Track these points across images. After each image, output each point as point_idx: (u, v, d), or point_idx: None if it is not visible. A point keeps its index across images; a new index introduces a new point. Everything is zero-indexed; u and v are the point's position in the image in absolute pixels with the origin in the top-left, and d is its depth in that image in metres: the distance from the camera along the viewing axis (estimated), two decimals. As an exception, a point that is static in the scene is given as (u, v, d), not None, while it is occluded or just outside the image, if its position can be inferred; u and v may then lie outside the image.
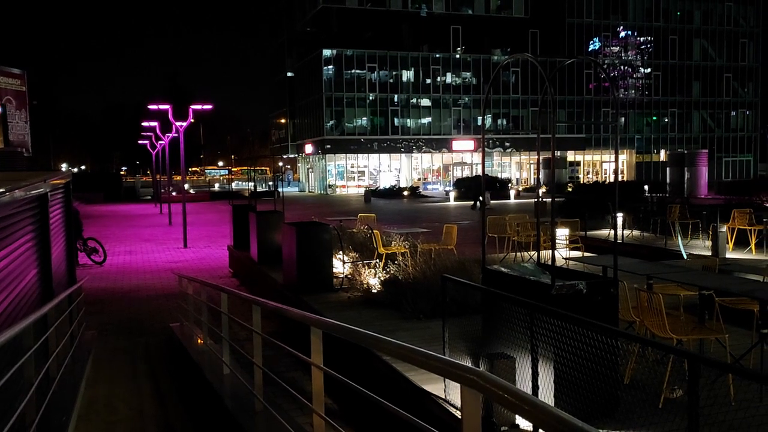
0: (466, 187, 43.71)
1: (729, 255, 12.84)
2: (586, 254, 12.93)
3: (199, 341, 8.49)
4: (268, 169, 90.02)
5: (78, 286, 9.01)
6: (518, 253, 13.94)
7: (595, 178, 63.25)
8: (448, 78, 62.31)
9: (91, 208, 44.44)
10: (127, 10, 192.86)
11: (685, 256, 12.55)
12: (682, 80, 68.10)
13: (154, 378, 8.41)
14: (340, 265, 11.29)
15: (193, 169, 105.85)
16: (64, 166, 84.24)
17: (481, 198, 35.98)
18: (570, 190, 39.55)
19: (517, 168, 65.05)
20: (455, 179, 52.69)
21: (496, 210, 30.83)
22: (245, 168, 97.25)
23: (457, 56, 62.07)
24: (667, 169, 34.14)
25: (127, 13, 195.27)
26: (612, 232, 15.31)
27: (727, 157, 69.61)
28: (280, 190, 23.53)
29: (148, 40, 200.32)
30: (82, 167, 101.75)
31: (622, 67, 67.03)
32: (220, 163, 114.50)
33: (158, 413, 7.10)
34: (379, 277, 10.17)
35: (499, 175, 57.71)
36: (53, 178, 7.90)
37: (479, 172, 58.03)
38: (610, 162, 66.20)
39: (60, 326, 6.32)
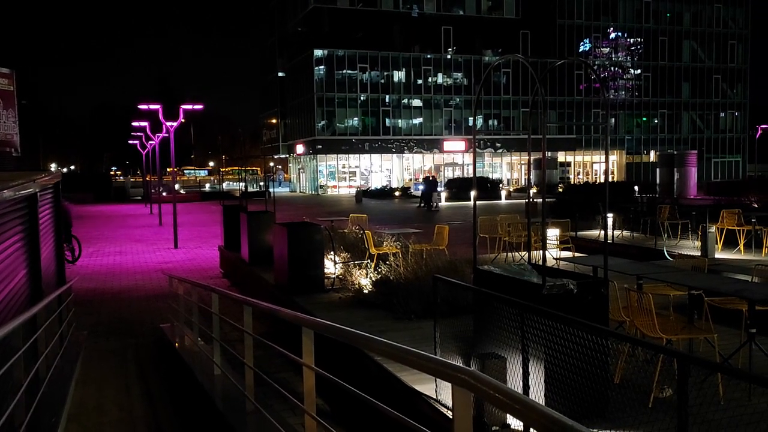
0: (458, 187, 43.80)
1: (718, 255, 12.92)
2: (577, 254, 12.98)
3: (189, 342, 8.46)
4: (258, 169, 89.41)
5: (68, 287, 8.96)
6: (509, 254, 13.98)
7: (585, 179, 63.54)
8: (440, 78, 62.39)
9: (81, 209, 44.16)
10: (117, 9, 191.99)
11: (667, 256, 12.62)
12: (671, 81, 68.51)
13: (144, 379, 8.37)
14: (332, 266, 11.28)
15: (171, 170, 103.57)
16: (53, 166, 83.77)
17: (432, 202, 35.24)
18: (560, 190, 39.71)
19: (508, 168, 65.21)
20: (446, 180, 52.78)
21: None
22: (235, 168, 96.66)
23: (449, 57, 62.17)
24: (657, 169, 34.30)
25: (117, 13, 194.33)
26: (602, 232, 15.37)
27: (716, 158, 70.09)
28: (271, 190, 23.50)
29: (138, 40, 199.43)
30: (72, 167, 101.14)
31: (612, 68, 67.36)
32: (211, 164, 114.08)
33: (148, 414, 7.07)
34: (370, 278, 10.17)
35: (490, 176, 57.82)
36: (42, 178, 7.85)
37: (471, 172, 58.16)
38: (600, 163, 66.50)
39: (49, 327, 6.28)
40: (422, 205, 36.20)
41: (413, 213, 33.14)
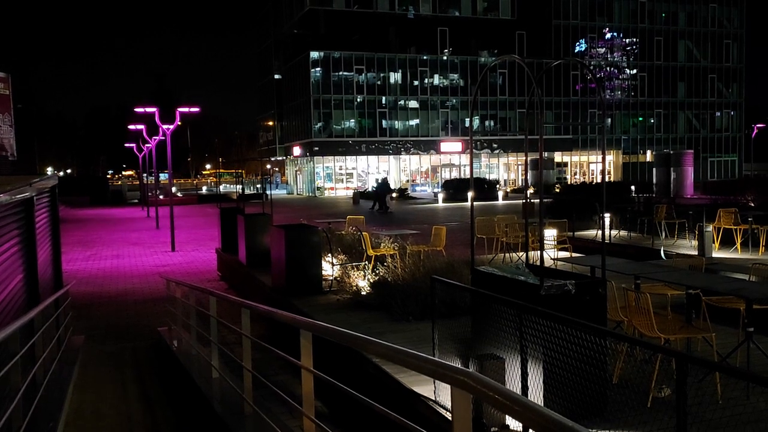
0: (455, 188, 43.81)
1: (715, 254, 12.94)
2: (574, 254, 13.01)
3: (187, 345, 8.44)
4: (243, 171, 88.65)
5: (65, 291, 8.94)
6: (507, 254, 13.98)
7: (582, 179, 63.58)
8: (436, 80, 62.42)
9: (78, 212, 44.14)
10: (112, 11, 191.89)
11: (663, 257, 12.63)
12: (667, 81, 68.63)
13: (142, 383, 8.35)
14: (329, 268, 11.27)
15: (128, 173, 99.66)
16: (49, 170, 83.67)
17: (385, 204, 34.59)
18: (557, 191, 39.70)
19: (505, 169, 65.24)
20: (443, 181, 52.79)
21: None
22: (218, 171, 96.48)
23: (445, 58, 62.20)
24: (654, 169, 34.40)
25: (112, 15, 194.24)
26: (599, 232, 15.39)
27: (712, 157, 70.23)
28: (268, 192, 23.47)
29: (134, 42, 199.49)
30: (68, 171, 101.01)
31: (608, 69, 67.46)
32: (208, 166, 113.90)
33: (146, 418, 7.06)
34: (368, 279, 10.16)
35: (487, 177, 57.83)
36: (39, 182, 7.84)
37: (467, 173, 58.18)
38: (597, 163, 66.56)
39: (47, 331, 6.26)
40: (374, 207, 35.59)
41: (412, 214, 33.14)
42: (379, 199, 35.87)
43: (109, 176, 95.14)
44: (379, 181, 38.27)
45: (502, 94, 63.30)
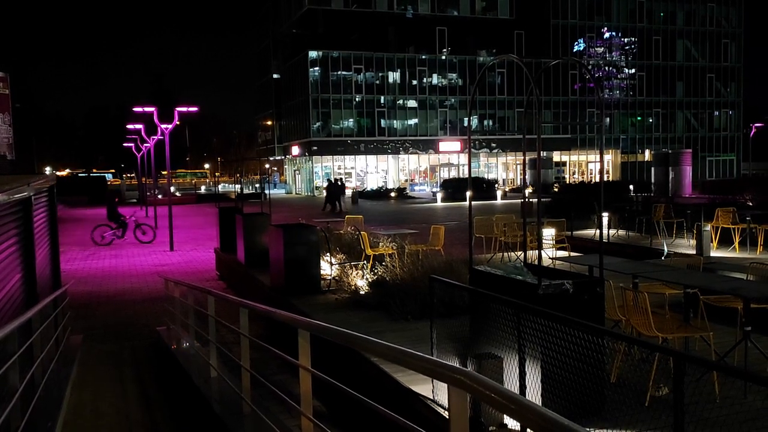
0: (453, 188, 43.80)
1: (713, 253, 12.96)
2: (573, 254, 13.01)
3: (185, 345, 8.44)
4: (208, 171, 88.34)
5: (63, 290, 8.94)
6: (505, 254, 13.99)
7: (580, 179, 63.59)
8: (434, 79, 62.42)
9: (76, 212, 44.07)
10: (111, 11, 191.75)
11: (663, 258, 12.64)
12: (665, 80, 68.67)
13: (140, 382, 8.35)
14: (328, 267, 11.27)
15: (65, 171, 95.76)
16: (47, 170, 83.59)
17: (338, 205, 34.59)
18: (556, 190, 39.75)
19: (504, 169, 65.27)
20: (442, 180, 52.79)
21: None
22: (181, 171, 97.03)
23: (443, 57, 62.21)
24: (652, 168, 34.43)
25: (111, 15, 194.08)
26: (598, 231, 15.40)
27: (710, 157, 70.29)
28: (266, 192, 23.46)
29: (133, 42, 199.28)
30: (67, 170, 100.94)
31: (606, 68, 67.48)
32: (207, 165, 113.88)
33: (145, 417, 7.06)
34: (366, 279, 10.16)
35: (486, 176, 57.84)
36: (37, 181, 7.84)
37: (466, 173, 58.21)
38: (595, 162, 66.57)
39: (45, 331, 6.26)
40: (325, 208, 35.44)
41: (410, 213, 33.15)
42: (330, 201, 35.78)
43: (110, 172, 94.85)
44: (331, 182, 38.23)
45: (500, 93, 63.31)
